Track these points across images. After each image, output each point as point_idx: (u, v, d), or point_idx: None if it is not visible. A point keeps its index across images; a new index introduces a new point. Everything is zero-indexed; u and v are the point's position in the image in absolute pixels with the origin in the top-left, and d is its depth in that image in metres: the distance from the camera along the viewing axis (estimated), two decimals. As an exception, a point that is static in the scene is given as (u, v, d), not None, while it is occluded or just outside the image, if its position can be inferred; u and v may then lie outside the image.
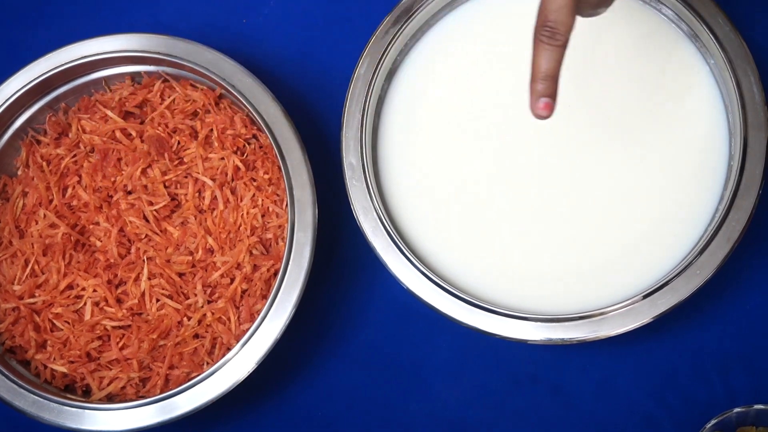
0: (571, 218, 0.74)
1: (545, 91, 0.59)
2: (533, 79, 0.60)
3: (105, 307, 0.76)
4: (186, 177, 0.78)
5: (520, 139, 0.76)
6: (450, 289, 0.72)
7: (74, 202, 0.79)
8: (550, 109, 0.60)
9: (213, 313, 0.75)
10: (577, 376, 0.78)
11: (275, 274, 0.75)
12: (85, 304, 0.76)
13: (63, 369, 0.75)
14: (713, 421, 0.72)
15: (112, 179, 0.78)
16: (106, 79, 0.82)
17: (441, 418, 0.79)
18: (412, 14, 0.77)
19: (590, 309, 0.71)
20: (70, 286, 0.77)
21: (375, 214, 0.74)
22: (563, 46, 0.58)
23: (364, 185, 0.74)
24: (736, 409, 0.72)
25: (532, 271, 0.74)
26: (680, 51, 0.76)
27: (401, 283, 0.73)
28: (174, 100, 0.80)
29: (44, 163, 0.80)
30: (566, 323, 0.71)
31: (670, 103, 0.75)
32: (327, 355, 0.81)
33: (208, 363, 0.75)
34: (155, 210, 0.77)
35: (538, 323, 0.71)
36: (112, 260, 0.77)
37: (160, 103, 0.80)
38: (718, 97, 0.74)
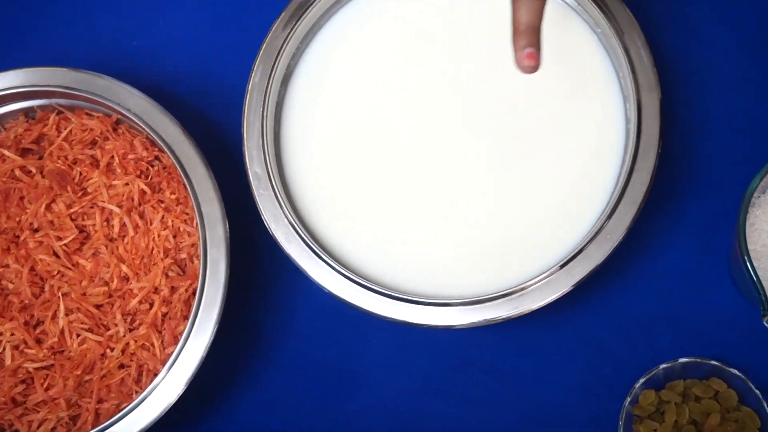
0: (480, 201, 0.75)
1: (529, 41, 0.59)
2: (515, 33, 0.59)
3: (25, 350, 0.75)
4: (92, 207, 0.77)
5: (420, 128, 0.76)
6: (371, 286, 0.72)
7: (-19, 247, 0.77)
8: (535, 58, 0.59)
9: (136, 341, 0.74)
10: (508, 355, 0.78)
11: (194, 293, 0.74)
12: (3, 349, 0.75)
13: (-11, 417, 0.74)
14: (642, 380, 0.73)
15: (17, 219, 0.77)
16: (-1, 118, 0.80)
17: (381, 412, 0.79)
18: (301, 17, 0.77)
19: (510, 287, 0.71)
20: (-14, 333, 0.75)
21: (286, 220, 0.74)
22: None
23: (272, 193, 0.74)
24: (663, 365, 0.73)
25: (448, 257, 0.75)
26: (569, 25, 0.77)
27: (321, 287, 0.73)
28: (71, 131, 0.79)
29: (-55, 211, 0.78)
30: (488, 304, 0.71)
31: (566, 77, 0.76)
32: (261, 365, 0.80)
33: (137, 392, 0.74)
34: (64, 244, 0.76)
35: (461, 307, 0.71)
36: (26, 301, 0.75)
37: (57, 136, 0.79)
38: (609, 65, 0.75)
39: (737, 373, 0.73)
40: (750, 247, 0.70)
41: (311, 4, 0.77)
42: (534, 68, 0.59)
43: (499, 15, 0.76)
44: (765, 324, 0.65)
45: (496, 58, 0.76)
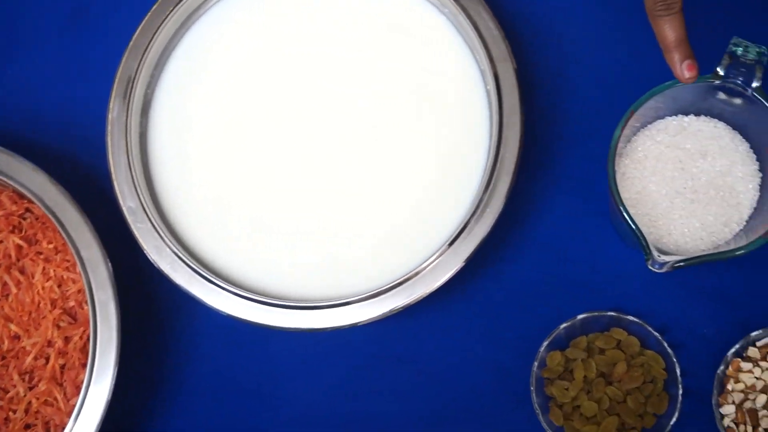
0: (359, 198, 0.75)
1: (684, 55, 0.62)
2: (667, 50, 0.62)
3: (-76, 428, 0.72)
4: (-31, 271, 0.75)
5: (287, 137, 0.76)
6: (267, 301, 0.72)
7: None
8: (695, 69, 0.62)
9: (38, 398, 0.72)
10: (414, 342, 0.79)
11: (89, 339, 0.72)
12: None
13: None
14: (545, 343, 0.74)
15: None
16: None
17: (299, 421, 0.79)
18: (149, 45, 0.76)
19: (404, 274, 0.72)
20: None
21: (169, 250, 0.73)
22: (680, 11, 0.61)
23: (150, 225, 0.73)
24: (563, 325, 0.75)
25: (339, 257, 0.75)
26: (417, 10, 0.77)
27: (217, 310, 0.72)
28: (-68, 197, 0.76)
29: None
30: (386, 295, 0.72)
31: (422, 62, 0.77)
32: (172, 396, 0.79)
33: (47, 449, 0.72)
34: (-53, 313, 0.74)
35: (361, 303, 0.72)
36: None
37: None
38: (462, 43, 0.76)
39: (634, 319, 0.75)
40: (624, 195, 0.72)
41: (157, 31, 0.76)
42: (695, 77, 0.63)
43: (353, 15, 0.76)
44: (649, 267, 0.67)
45: (353, 52, 0.76)
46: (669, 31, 0.62)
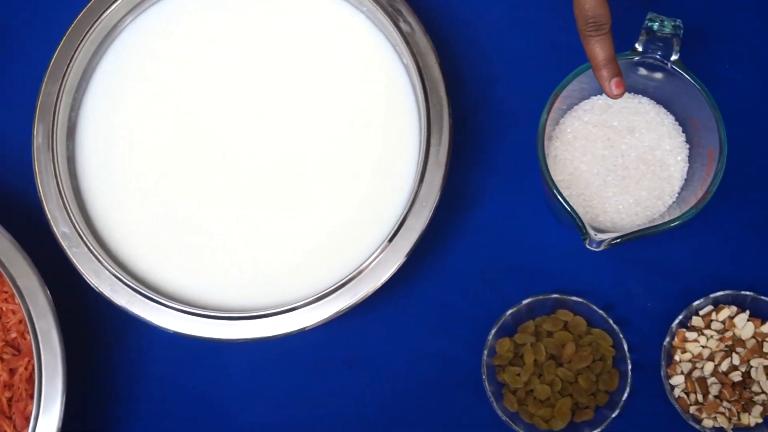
0: (294, 197, 0.75)
1: (612, 73, 0.66)
2: (597, 68, 0.66)
3: None
4: None
5: (214, 148, 0.76)
6: (213, 314, 0.72)
7: None
8: (622, 86, 0.66)
9: (-13, 435, 0.71)
10: (362, 342, 0.79)
11: (34, 369, 0.72)
12: None
13: None
14: (493, 331, 0.75)
15: None
16: None
17: (257, 429, 0.78)
18: (68, 67, 0.75)
19: (347, 274, 0.72)
20: None
21: (108, 272, 0.72)
22: (609, 32, 0.65)
23: (86, 249, 0.72)
24: (509, 311, 0.75)
25: (280, 264, 0.74)
26: (334, 9, 0.77)
27: (164, 329, 0.72)
28: None
29: None
30: (331, 297, 0.72)
31: (347, 61, 0.76)
32: (125, 418, 0.79)
33: (1, 485, 0.71)
34: None
35: (307, 308, 0.71)
36: None
37: None
38: (383, 39, 0.76)
39: (579, 299, 0.75)
40: (557, 177, 0.73)
41: (74, 54, 0.75)
42: (622, 93, 0.66)
43: (273, 20, 0.76)
44: (587, 247, 0.68)
45: (277, 65, 0.76)
46: (598, 51, 0.66)
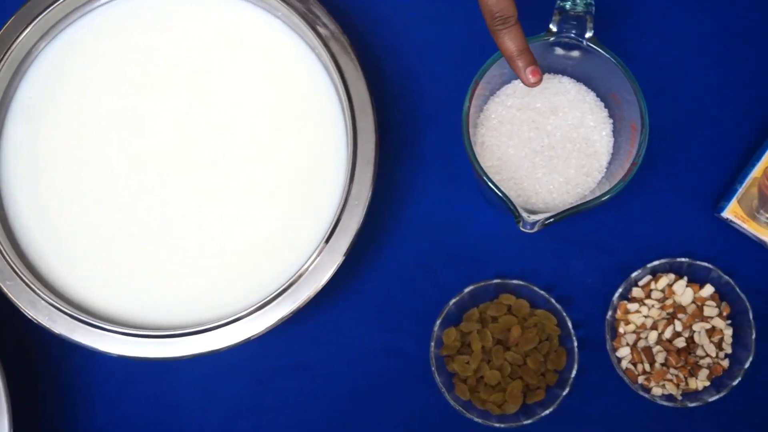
0: (226, 209, 0.74)
1: (526, 62, 0.66)
2: (511, 60, 0.66)
3: None
4: None
5: (141, 169, 0.75)
6: (158, 334, 0.71)
7: None
8: (538, 74, 0.66)
9: (-65, 478, 0.70)
10: (310, 346, 0.79)
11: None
12: None
13: None
14: (438, 322, 0.75)
15: None
16: None
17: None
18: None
19: (288, 278, 0.71)
20: None
21: (44, 302, 0.71)
22: (516, 23, 0.66)
23: (20, 281, 0.71)
24: (452, 301, 0.75)
25: (212, 276, 0.74)
26: (248, 16, 0.76)
27: (108, 353, 0.71)
28: None
29: None
30: (272, 304, 0.71)
31: (268, 67, 0.76)
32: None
33: None
34: None
35: (251, 317, 0.71)
36: None
37: None
38: (301, 43, 0.76)
39: (520, 282, 0.76)
40: (487, 164, 0.73)
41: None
42: (539, 81, 0.67)
43: (188, 32, 0.76)
44: (522, 229, 0.68)
45: (195, 78, 0.76)
46: (509, 43, 0.66)
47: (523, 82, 0.67)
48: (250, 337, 0.72)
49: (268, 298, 0.71)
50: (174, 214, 0.74)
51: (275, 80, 0.76)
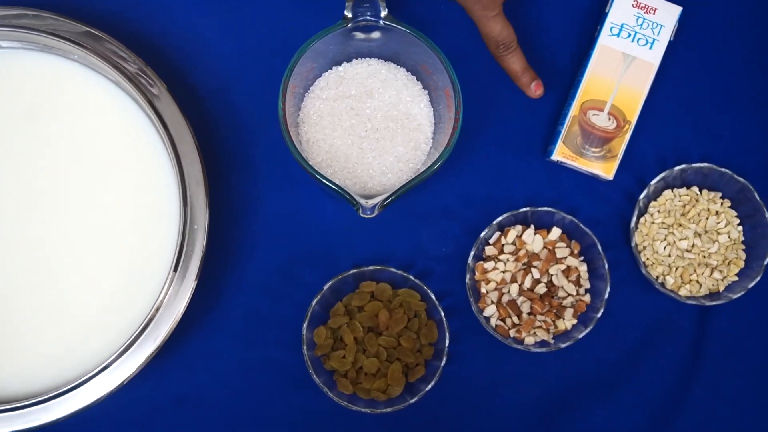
0: (67, 268, 0.74)
1: (530, 78, 0.76)
2: (517, 78, 0.76)
3: None
4: None
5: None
6: (16, 406, 0.71)
7: None
8: (541, 87, 0.76)
9: None
10: (186, 377, 0.78)
11: None
12: None
13: None
14: (305, 324, 0.75)
15: None
16: None
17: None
18: None
19: (143, 318, 0.71)
20: None
21: None
22: (517, 47, 0.75)
23: None
24: (314, 301, 0.75)
25: (65, 334, 0.73)
26: (45, 62, 0.75)
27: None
28: None
29: None
30: (139, 341, 0.71)
31: (81, 117, 0.75)
32: None
33: None
34: None
35: (114, 365, 0.71)
36: None
37: None
38: (106, 83, 0.75)
39: (376, 267, 0.77)
40: (317, 159, 0.74)
41: None
42: (543, 92, 0.76)
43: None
44: (361, 215, 0.69)
45: (43, 141, 0.74)
46: (514, 65, 0.75)
47: (528, 95, 0.76)
48: (122, 383, 0.71)
49: (130, 340, 0.71)
50: (16, 281, 0.73)
51: (88, 127, 0.75)
